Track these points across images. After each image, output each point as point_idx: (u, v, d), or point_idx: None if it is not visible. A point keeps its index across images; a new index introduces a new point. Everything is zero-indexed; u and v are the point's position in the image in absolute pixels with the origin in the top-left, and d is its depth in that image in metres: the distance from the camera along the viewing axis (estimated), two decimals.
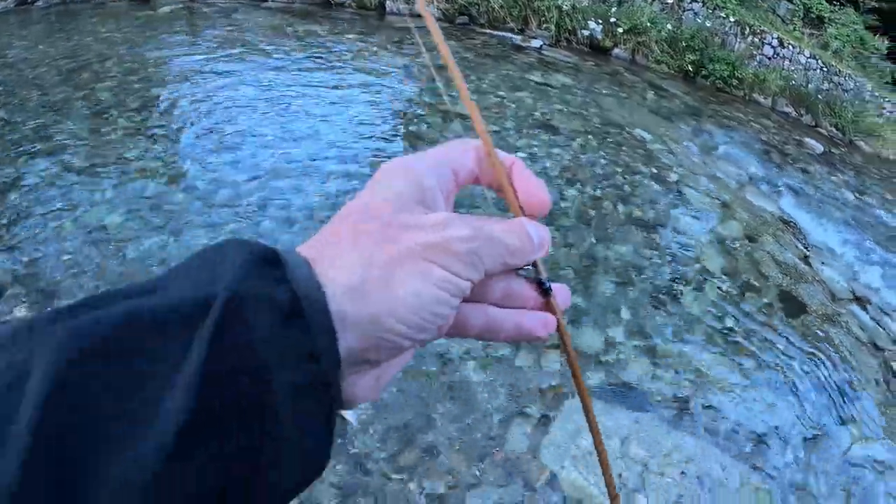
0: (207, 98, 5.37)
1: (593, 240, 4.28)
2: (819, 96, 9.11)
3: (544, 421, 2.96)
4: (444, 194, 0.38)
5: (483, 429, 2.86)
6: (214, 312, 0.28)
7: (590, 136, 5.69)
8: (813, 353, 4.20)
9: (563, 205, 4.56)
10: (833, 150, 8.54)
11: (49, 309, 0.45)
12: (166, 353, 0.27)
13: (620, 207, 4.73)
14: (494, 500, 2.60)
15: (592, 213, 4.56)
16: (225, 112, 5.16)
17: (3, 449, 0.24)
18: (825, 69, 9.19)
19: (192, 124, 4.94)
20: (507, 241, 0.37)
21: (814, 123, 9.08)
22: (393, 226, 0.34)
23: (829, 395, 3.96)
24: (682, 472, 2.94)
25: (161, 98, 5.35)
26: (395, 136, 5.16)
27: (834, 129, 9.12)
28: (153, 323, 0.28)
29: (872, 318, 5.05)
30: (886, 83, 10.21)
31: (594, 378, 3.27)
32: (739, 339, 4.01)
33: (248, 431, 0.28)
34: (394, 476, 2.61)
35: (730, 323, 4.10)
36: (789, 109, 9.02)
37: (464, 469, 2.68)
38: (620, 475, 2.77)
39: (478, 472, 2.68)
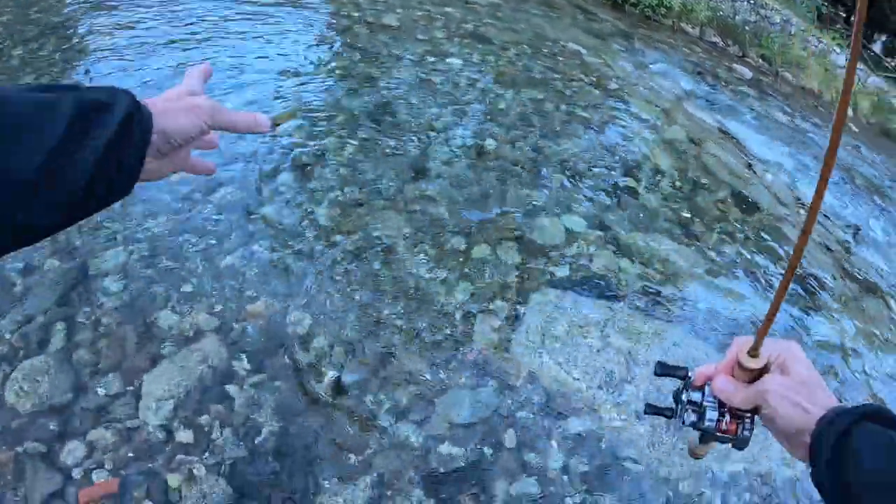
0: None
1: (538, 137, 3.94)
2: (746, 28, 9.10)
3: (512, 316, 2.59)
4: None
5: (444, 329, 2.47)
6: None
7: (524, 47, 5.35)
8: (772, 248, 4.03)
9: (501, 105, 4.20)
10: (761, 79, 8.54)
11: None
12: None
13: (563, 108, 4.42)
14: (470, 404, 2.22)
15: (534, 114, 4.22)
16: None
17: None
18: (752, 1, 9.18)
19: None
20: (230, 117, 0.73)
21: (741, 54, 9.07)
22: (183, 99, 0.70)
23: (794, 287, 3.79)
24: (673, 358, 2.64)
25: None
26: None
27: (761, 60, 9.14)
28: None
29: (819, 223, 4.97)
30: (812, 19, 10.34)
31: (560, 271, 2.93)
32: (699, 231, 3.77)
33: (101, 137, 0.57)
34: (340, 399, 2.20)
35: (687, 215, 3.86)
36: (717, 39, 8.97)
37: (428, 375, 2.29)
38: (605, 367, 2.44)
39: (444, 377, 2.29)
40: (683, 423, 0.89)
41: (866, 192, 6.35)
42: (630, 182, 3.90)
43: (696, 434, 0.92)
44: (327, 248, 2.72)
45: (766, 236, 4.11)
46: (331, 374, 2.24)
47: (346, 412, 2.14)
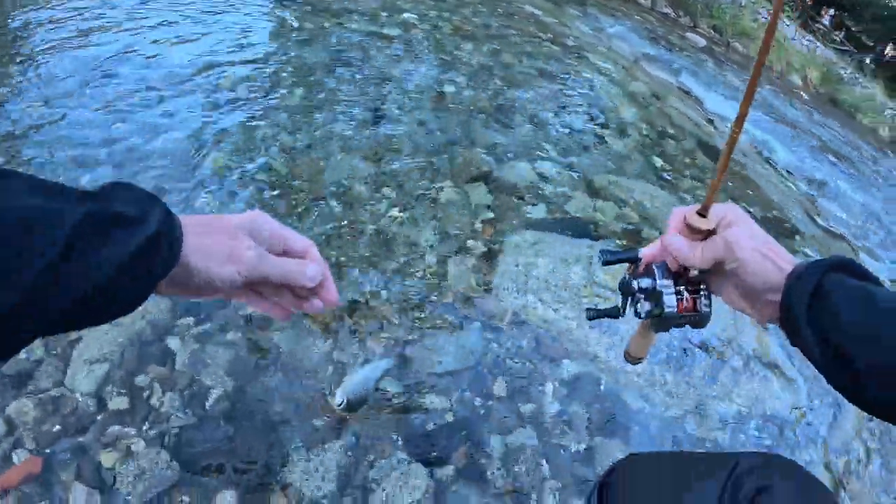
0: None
1: (500, 84, 3.71)
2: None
3: (489, 256, 2.33)
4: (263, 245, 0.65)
5: (416, 272, 2.19)
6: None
7: (479, 5, 5.12)
8: (745, 196, 3.92)
9: (459, 54, 3.96)
10: (713, 48, 8.53)
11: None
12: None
13: (525, 60, 4.21)
14: (453, 351, 1.95)
15: (494, 65, 3.99)
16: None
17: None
18: None
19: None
20: (275, 269, 0.65)
21: (692, 24, 9.05)
22: (232, 240, 0.60)
23: (772, 228, 3.68)
24: None
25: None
26: None
27: (712, 31, 9.14)
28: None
29: (779, 173, 4.93)
30: None
31: (535, 211, 2.69)
32: (671, 177, 3.61)
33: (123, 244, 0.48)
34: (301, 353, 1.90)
35: (658, 162, 3.70)
36: (668, 10, 8.93)
37: (400, 320, 2.01)
38: (595, 305, 2.19)
39: (420, 322, 2.01)
40: (640, 314, 0.82)
41: (823, 153, 6.38)
42: (597, 129, 3.71)
43: (642, 329, 0.86)
44: (280, 192, 2.42)
45: (736, 185, 4.01)
46: (287, 325, 1.94)
47: (309, 366, 1.85)
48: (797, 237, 3.78)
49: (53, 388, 1.73)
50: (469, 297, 2.11)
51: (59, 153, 2.45)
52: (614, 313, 0.87)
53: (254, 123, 2.81)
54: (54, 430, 1.64)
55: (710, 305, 0.80)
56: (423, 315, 2.02)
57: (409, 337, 1.95)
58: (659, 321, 0.82)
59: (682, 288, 0.79)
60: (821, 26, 11.70)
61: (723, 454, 0.95)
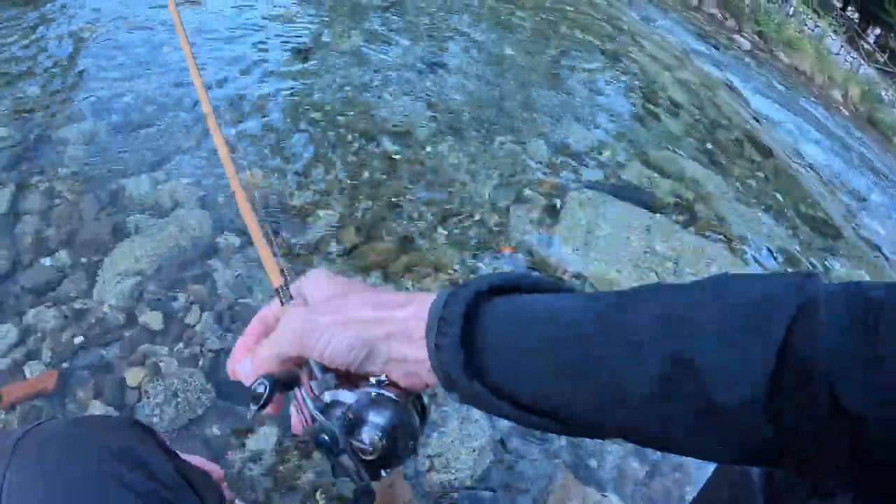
0: None
1: (554, 52, 3.60)
2: (746, 3, 8.93)
3: (549, 210, 2.22)
4: None
5: (475, 218, 2.07)
6: None
7: None
8: (790, 193, 3.81)
9: (514, 20, 3.85)
10: (758, 53, 8.38)
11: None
12: None
13: (578, 34, 4.09)
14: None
15: (550, 32, 3.89)
16: None
17: None
18: None
19: None
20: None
21: (737, 28, 8.89)
22: None
23: (817, 228, 3.57)
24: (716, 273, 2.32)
25: None
26: None
27: (756, 37, 8.98)
28: None
29: (821, 178, 4.82)
30: (811, 0, 10.24)
31: (594, 174, 2.59)
32: (723, 161, 3.49)
33: None
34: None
35: (710, 146, 3.58)
36: (715, 11, 8.78)
37: (458, 266, 1.89)
38: (656, 272, 2.09)
39: (479, 269, 1.90)
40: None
41: (863, 168, 6.25)
42: (651, 107, 3.60)
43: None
44: (332, 127, 2.32)
45: (783, 179, 3.90)
46: (339, 249, 1.85)
47: None
48: (840, 241, 3.66)
49: (78, 299, 1.61)
50: (530, 248, 2.01)
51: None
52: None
53: (303, 59, 2.72)
54: (75, 342, 1.50)
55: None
56: (482, 263, 1.92)
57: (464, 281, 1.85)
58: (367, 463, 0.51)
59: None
60: (866, 45, 11.48)
61: None
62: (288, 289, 0.57)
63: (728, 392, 0.38)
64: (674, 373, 0.40)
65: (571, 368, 0.44)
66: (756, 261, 2.70)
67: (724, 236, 2.69)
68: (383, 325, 0.49)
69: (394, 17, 3.31)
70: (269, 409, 0.52)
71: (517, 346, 0.46)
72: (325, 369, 0.52)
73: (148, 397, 1.46)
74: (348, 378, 0.52)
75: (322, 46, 2.86)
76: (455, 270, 1.88)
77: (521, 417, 0.46)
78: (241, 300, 1.72)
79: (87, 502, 0.55)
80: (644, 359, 0.41)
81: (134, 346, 1.55)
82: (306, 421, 0.52)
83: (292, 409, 0.55)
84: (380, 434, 0.48)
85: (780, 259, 2.86)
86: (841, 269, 3.26)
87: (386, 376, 0.50)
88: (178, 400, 1.50)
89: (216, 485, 0.68)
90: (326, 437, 0.50)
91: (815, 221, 3.64)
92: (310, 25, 3.04)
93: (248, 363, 0.55)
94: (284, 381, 0.52)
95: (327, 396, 0.50)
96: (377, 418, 0.48)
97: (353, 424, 0.48)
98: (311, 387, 0.52)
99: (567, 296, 0.48)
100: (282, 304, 0.57)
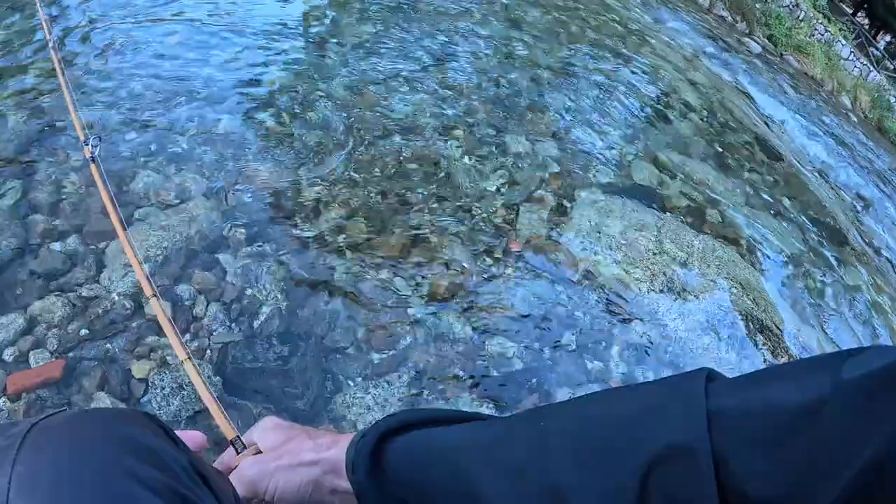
0: None
1: (567, 50, 3.58)
2: (757, 6, 8.89)
3: (560, 208, 2.21)
4: None
5: (484, 215, 2.06)
6: None
7: None
8: (798, 197, 3.78)
9: (528, 18, 3.83)
10: (768, 57, 8.34)
11: None
12: None
13: (589, 33, 4.07)
14: (522, 297, 1.82)
15: (560, 30, 3.87)
16: None
17: None
18: None
19: None
20: None
21: (748, 31, 8.85)
22: None
23: (825, 232, 3.55)
24: (725, 276, 2.30)
25: None
26: None
27: (767, 41, 8.93)
28: None
29: (828, 184, 4.80)
30: (822, 7, 10.18)
31: (604, 173, 2.58)
32: (732, 164, 3.47)
33: None
34: (361, 282, 1.78)
35: (720, 149, 3.56)
36: (726, 14, 8.73)
37: (468, 263, 1.88)
38: (665, 273, 2.07)
39: (488, 266, 1.89)
40: None
41: (870, 175, 6.23)
42: (661, 108, 3.58)
43: None
44: (342, 118, 2.30)
45: (791, 183, 3.88)
46: (349, 244, 1.83)
47: (370, 296, 1.74)
48: (846, 247, 3.64)
49: (85, 286, 1.59)
50: (540, 246, 1.99)
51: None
52: None
53: (316, 49, 2.71)
54: (81, 333, 1.48)
55: None
56: (492, 260, 1.91)
57: (476, 278, 1.83)
58: None
59: None
60: (876, 51, 11.42)
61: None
62: (241, 439, 0.67)
63: None
64: (548, 499, 0.44)
65: (457, 495, 0.50)
66: (763, 264, 2.69)
67: (733, 239, 2.68)
68: (320, 465, 0.60)
69: (406, 12, 3.30)
70: None
71: (415, 477, 0.54)
72: None
73: (154, 389, 1.45)
74: None
75: (333, 38, 2.84)
76: (464, 267, 1.86)
77: None
78: (248, 291, 1.71)
79: (101, 499, 0.53)
80: (517, 491, 0.45)
81: (141, 337, 1.54)
82: None
83: None
84: None
85: (788, 263, 2.84)
86: (846, 276, 3.25)
87: None
88: (185, 392, 1.49)
89: (228, 481, 0.67)
90: None
91: (822, 226, 3.62)
92: (321, 17, 3.02)
93: None
94: None
95: None
96: None
97: None
98: None
99: (458, 428, 0.56)
100: (237, 452, 0.66)
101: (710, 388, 0.42)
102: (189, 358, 0.82)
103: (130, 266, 1.65)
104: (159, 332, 1.57)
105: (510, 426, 0.52)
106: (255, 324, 1.65)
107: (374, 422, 0.59)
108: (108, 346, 1.49)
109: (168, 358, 1.52)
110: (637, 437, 0.42)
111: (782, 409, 0.38)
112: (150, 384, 1.46)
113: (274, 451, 0.64)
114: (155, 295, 0.88)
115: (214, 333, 1.61)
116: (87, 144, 1.38)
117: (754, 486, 0.37)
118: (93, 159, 1.34)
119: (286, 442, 0.64)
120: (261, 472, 0.61)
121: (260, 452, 0.65)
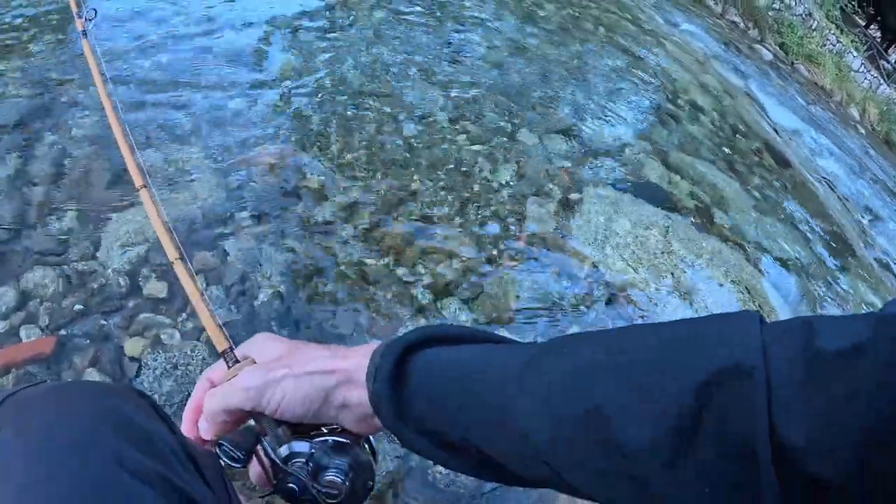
0: None
1: (579, 46, 3.55)
2: (769, 13, 8.83)
3: (568, 203, 2.17)
4: None
5: (492, 207, 2.03)
6: None
7: None
8: (808, 204, 3.75)
9: (541, 13, 3.80)
10: (779, 65, 8.29)
11: None
12: None
13: (602, 31, 4.04)
14: (528, 288, 1.79)
15: (573, 27, 3.83)
16: None
17: None
18: None
19: None
20: None
21: (760, 38, 8.79)
22: None
23: (833, 241, 3.51)
24: (732, 280, 2.27)
25: None
26: None
27: (778, 49, 8.88)
28: None
29: (836, 194, 4.76)
30: (835, 17, 10.12)
31: (613, 170, 2.55)
32: (742, 169, 3.44)
33: None
34: (364, 266, 1.75)
35: (729, 152, 3.53)
36: (738, 20, 8.67)
37: (475, 253, 1.85)
38: (672, 273, 2.04)
39: (495, 256, 1.85)
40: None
41: (879, 188, 6.19)
42: (672, 109, 3.55)
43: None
44: (353, 104, 2.27)
45: (799, 191, 3.85)
46: (353, 232, 1.80)
47: (373, 283, 1.71)
48: (852, 258, 3.61)
49: (80, 262, 1.55)
50: (547, 240, 1.96)
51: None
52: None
53: (326, 31, 2.68)
54: (75, 308, 1.45)
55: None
56: (498, 251, 1.87)
57: (481, 269, 1.80)
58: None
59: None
60: (887, 64, 11.38)
61: None
62: (233, 352, 0.63)
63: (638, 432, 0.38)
64: (585, 419, 0.41)
65: (483, 414, 0.47)
66: (769, 270, 2.66)
67: (740, 243, 2.65)
68: (333, 375, 0.54)
69: (418, 1, 3.27)
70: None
71: (439, 390, 0.51)
72: (277, 424, 0.56)
73: (147, 368, 1.42)
74: (297, 430, 0.57)
75: (348, 24, 2.81)
76: (469, 258, 1.83)
77: (435, 454, 0.51)
78: (250, 273, 1.68)
79: (88, 488, 0.46)
80: (551, 410, 0.42)
81: (135, 314, 1.51)
82: (271, 472, 0.57)
83: (251, 466, 0.58)
84: (342, 477, 0.54)
85: (794, 271, 2.81)
86: (851, 287, 3.22)
87: (338, 424, 0.56)
88: (178, 373, 1.46)
89: (217, 461, 0.62)
90: (294, 486, 0.55)
91: (828, 236, 3.59)
92: (336, 3, 2.99)
93: (203, 421, 0.59)
94: (238, 443, 0.57)
95: (284, 449, 0.55)
96: (338, 463, 0.54)
97: (317, 471, 0.54)
98: (272, 439, 0.56)
99: (489, 347, 0.53)
100: (228, 366, 0.61)
101: (764, 327, 0.39)
102: (181, 258, 0.76)
103: (128, 245, 1.63)
104: (155, 309, 1.54)
105: (545, 348, 0.48)
106: (255, 304, 1.63)
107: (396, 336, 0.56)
108: (103, 322, 1.46)
109: (163, 336, 1.50)
110: (690, 356, 0.39)
111: (825, 351, 0.36)
112: (143, 364, 1.43)
113: (278, 360, 0.58)
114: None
115: (213, 315, 1.58)
116: (81, 17, 1.27)
117: (786, 427, 0.35)
118: (84, 34, 1.27)
119: (292, 351, 0.60)
120: (267, 380, 0.55)
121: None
